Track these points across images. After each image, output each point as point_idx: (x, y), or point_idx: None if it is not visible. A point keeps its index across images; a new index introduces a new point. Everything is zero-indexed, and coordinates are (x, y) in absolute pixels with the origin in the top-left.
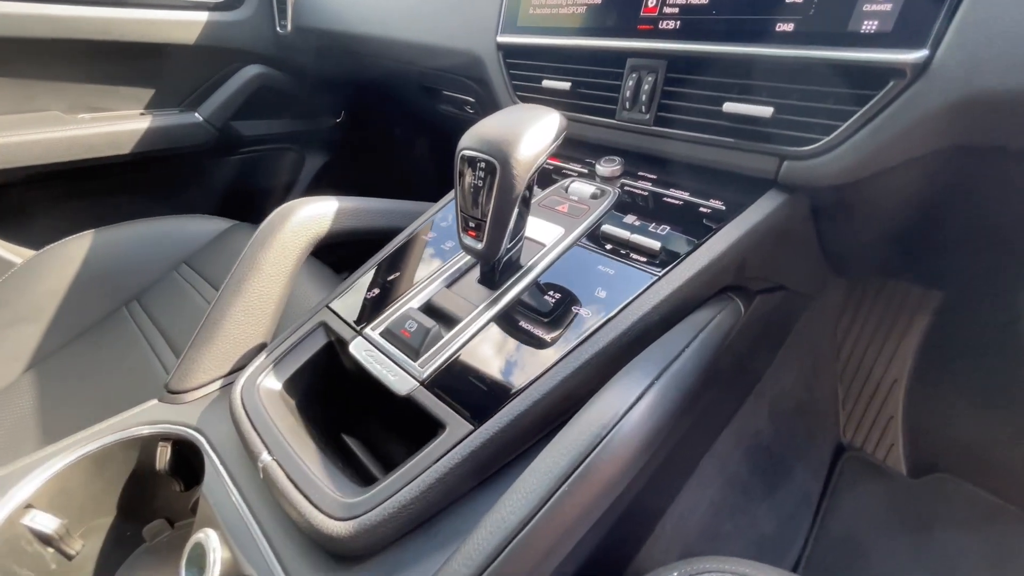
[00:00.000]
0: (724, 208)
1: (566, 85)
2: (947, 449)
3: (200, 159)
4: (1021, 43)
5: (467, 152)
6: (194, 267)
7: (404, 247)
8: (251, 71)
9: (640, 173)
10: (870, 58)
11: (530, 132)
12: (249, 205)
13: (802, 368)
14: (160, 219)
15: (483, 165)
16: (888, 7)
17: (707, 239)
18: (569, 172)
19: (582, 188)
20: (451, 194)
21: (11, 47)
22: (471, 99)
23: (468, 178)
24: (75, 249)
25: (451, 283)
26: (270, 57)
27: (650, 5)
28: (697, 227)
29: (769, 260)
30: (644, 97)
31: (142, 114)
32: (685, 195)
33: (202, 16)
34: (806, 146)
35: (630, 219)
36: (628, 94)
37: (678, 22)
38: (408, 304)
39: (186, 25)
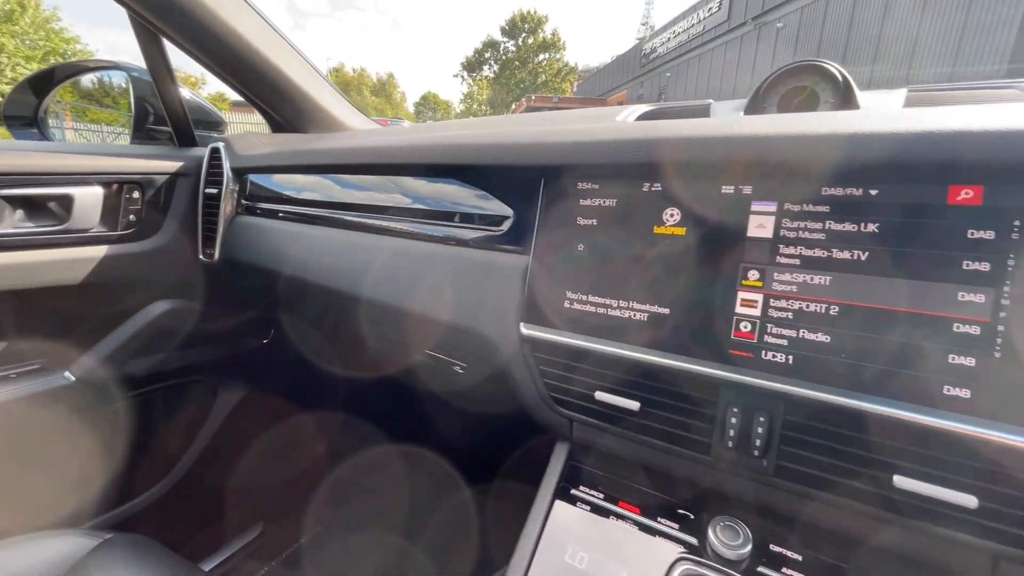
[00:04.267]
0: None
1: (633, 406)
2: None
3: (59, 429)
4: None
5: None
6: None
7: None
8: (158, 308)
9: (775, 548)
10: None
11: None
12: (140, 475)
13: None
14: None
15: None
16: None
17: None
18: (664, 531)
19: None
20: None
21: None
22: (462, 364)
23: None
24: None
25: None
26: (182, 287)
27: (743, 330)
28: None
29: None
30: (757, 441)
31: None
32: None
33: (96, 251)
34: None
35: None
36: (731, 433)
37: (790, 356)
38: None
39: (67, 264)
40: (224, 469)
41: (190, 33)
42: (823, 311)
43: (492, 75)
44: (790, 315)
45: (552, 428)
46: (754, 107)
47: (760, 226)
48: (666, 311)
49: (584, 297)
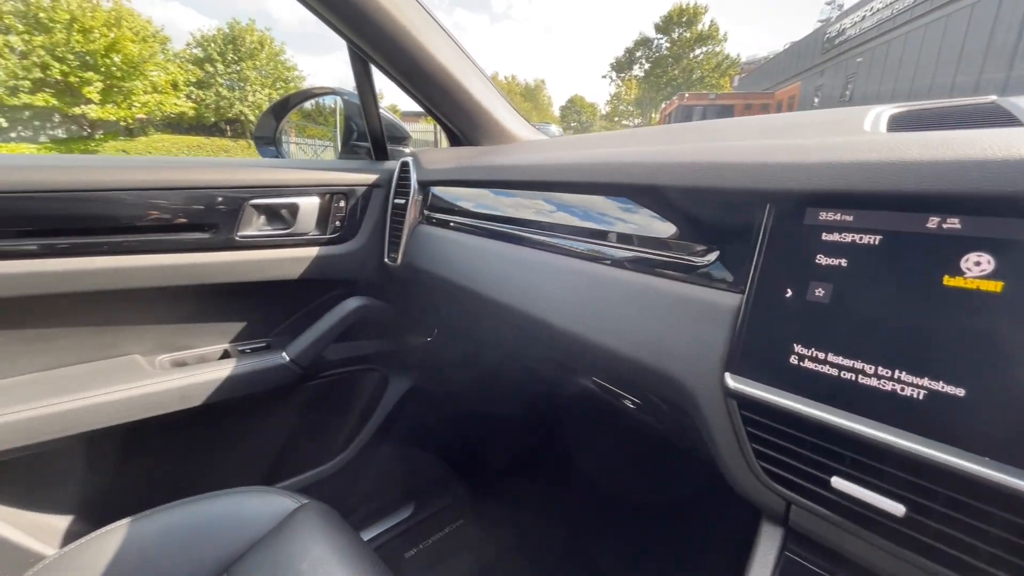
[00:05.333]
0: None
1: (895, 509)
2: None
3: (272, 400)
4: None
5: None
6: None
7: None
8: (352, 304)
9: None
10: None
11: None
12: (322, 447)
13: None
14: (192, 503)
15: None
16: None
17: None
18: None
19: None
20: None
21: (108, 298)
22: (635, 400)
23: None
24: (95, 554)
25: None
26: (371, 285)
27: None
28: None
29: None
30: None
31: (222, 358)
32: None
33: (311, 251)
34: None
35: None
36: None
37: None
38: None
39: (291, 262)
40: (388, 451)
41: (396, 61)
42: None
43: (642, 74)
44: None
45: (757, 503)
46: None
47: None
48: (959, 392)
49: (821, 355)
